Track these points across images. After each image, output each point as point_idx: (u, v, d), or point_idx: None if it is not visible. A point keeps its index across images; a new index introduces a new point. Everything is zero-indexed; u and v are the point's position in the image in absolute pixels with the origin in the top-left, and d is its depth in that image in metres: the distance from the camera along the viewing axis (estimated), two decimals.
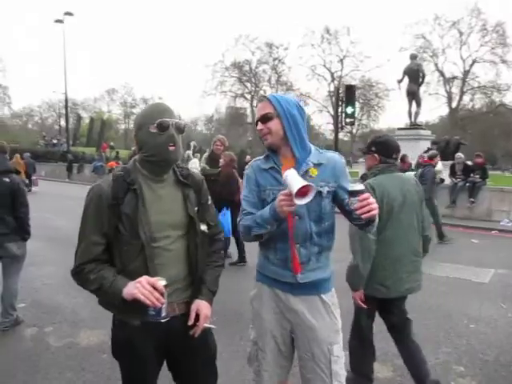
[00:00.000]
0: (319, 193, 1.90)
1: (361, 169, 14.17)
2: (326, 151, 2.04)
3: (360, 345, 2.94)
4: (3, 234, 3.94)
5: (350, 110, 12.85)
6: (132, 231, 1.68)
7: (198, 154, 15.12)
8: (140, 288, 1.58)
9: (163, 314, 1.63)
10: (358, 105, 48.18)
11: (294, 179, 1.67)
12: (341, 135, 53.32)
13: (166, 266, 1.74)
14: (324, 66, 46.47)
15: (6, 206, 3.94)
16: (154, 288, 1.58)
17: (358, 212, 1.71)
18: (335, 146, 14.07)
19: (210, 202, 1.97)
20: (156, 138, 1.70)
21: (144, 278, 1.60)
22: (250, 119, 54.62)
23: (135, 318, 1.70)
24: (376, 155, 2.77)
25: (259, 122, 1.94)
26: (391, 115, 71.20)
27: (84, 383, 3.07)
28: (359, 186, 1.74)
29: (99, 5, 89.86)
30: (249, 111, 53.62)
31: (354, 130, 52.27)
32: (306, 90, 47.95)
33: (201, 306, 1.80)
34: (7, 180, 3.96)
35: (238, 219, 2.00)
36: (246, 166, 2.07)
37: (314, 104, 46.11)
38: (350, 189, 1.76)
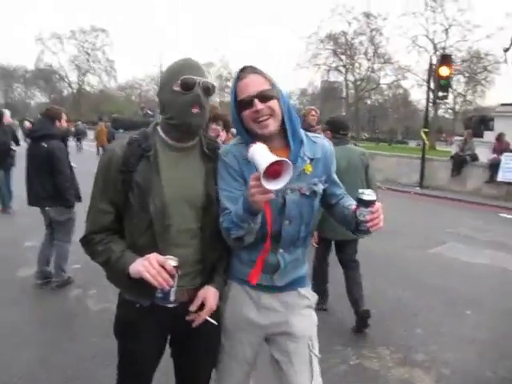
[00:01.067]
0: (314, 193, 1.58)
1: (453, 149, 12.92)
2: (316, 137, 1.67)
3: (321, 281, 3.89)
4: (42, 197, 4.09)
5: (443, 82, 11.64)
6: (142, 202, 1.49)
7: None
8: (147, 266, 1.38)
9: (171, 298, 1.42)
10: (462, 79, 44.35)
11: (261, 156, 1.29)
12: (441, 112, 49.77)
13: (177, 246, 1.52)
14: (426, 36, 42.92)
15: (44, 171, 4.03)
16: (163, 268, 1.38)
17: (368, 224, 1.41)
18: (425, 122, 12.93)
19: None
20: (179, 97, 1.47)
21: (153, 255, 1.41)
22: (344, 94, 52.93)
23: (143, 299, 1.53)
24: (329, 132, 3.72)
25: (256, 100, 1.48)
26: (502, 90, 63.99)
27: (104, 353, 3.05)
28: (372, 195, 1.41)
29: None
30: (344, 85, 51.92)
31: (458, 107, 48.29)
32: (405, 62, 45.11)
33: (209, 294, 1.57)
34: (44, 145, 4.01)
35: (220, 220, 1.57)
36: (223, 150, 1.63)
37: (414, 78, 43.02)
38: (361, 197, 1.42)
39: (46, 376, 2.79)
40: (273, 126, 1.51)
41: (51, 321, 3.60)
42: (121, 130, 32.40)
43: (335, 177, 1.71)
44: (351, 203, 1.59)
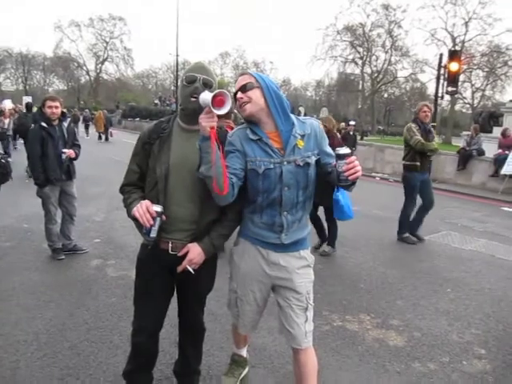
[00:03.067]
0: (307, 164, 2.00)
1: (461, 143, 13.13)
2: (305, 118, 2.12)
3: None
4: None
5: (452, 78, 11.87)
6: (153, 166, 2.05)
7: None
8: (138, 208, 1.94)
9: (151, 235, 1.94)
10: (481, 73, 43.95)
11: (207, 95, 1.77)
12: (458, 107, 49.43)
13: (177, 205, 2.02)
14: (445, 29, 42.66)
15: None
16: (148, 211, 1.91)
17: (345, 174, 1.81)
18: (433, 117, 13.11)
19: None
20: (184, 89, 2.00)
21: (144, 202, 1.95)
22: (360, 86, 52.75)
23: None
24: None
25: (239, 92, 1.98)
26: None
27: (122, 308, 3.55)
28: (346, 150, 1.84)
29: None
30: (360, 77, 51.81)
31: (475, 102, 47.85)
32: (423, 56, 44.77)
33: (192, 248, 2.04)
34: None
35: None
36: (229, 134, 2.08)
37: (431, 71, 42.81)
38: (338, 152, 1.84)
39: (73, 326, 3.28)
40: (249, 109, 1.97)
41: (76, 284, 4.10)
42: (137, 118, 33.30)
43: (328, 149, 2.08)
44: None
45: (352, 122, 14.57)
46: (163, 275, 2.13)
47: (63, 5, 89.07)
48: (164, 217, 1.96)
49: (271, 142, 1.98)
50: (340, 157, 1.82)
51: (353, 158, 1.82)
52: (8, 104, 11.12)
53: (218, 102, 1.73)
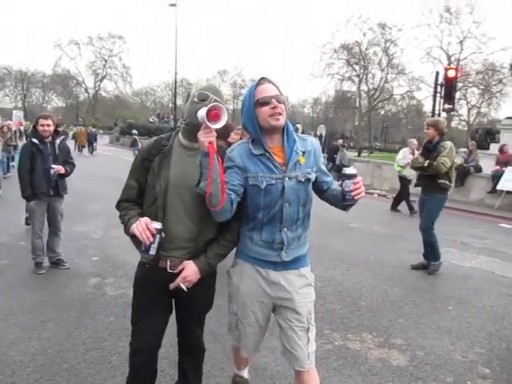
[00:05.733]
0: (308, 180, 2.02)
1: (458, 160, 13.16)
2: (305, 136, 2.13)
3: None
4: None
5: (449, 95, 11.99)
6: (153, 182, 2.04)
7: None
8: (137, 225, 1.92)
9: (151, 252, 1.92)
10: (477, 91, 44.53)
11: (203, 111, 1.74)
12: (454, 124, 49.81)
13: (175, 223, 2.01)
14: (441, 47, 43.36)
15: None
16: (148, 228, 1.89)
17: (353, 193, 1.85)
18: None
19: None
20: (194, 105, 1.96)
21: (144, 219, 1.93)
22: (357, 103, 53.22)
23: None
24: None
25: (273, 99, 1.93)
26: None
27: (120, 328, 3.49)
28: (353, 170, 1.88)
29: None
30: (357, 95, 52.31)
31: (471, 119, 48.33)
32: (419, 73, 45.35)
33: (187, 266, 2.02)
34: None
35: None
36: (229, 149, 2.06)
37: (427, 89, 43.26)
38: (345, 172, 1.88)
39: (71, 346, 3.22)
40: (282, 121, 1.96)
41: (74, 303, 4.04)
42: (135, 134, 34.15)
43: (323, 167, 2.13)
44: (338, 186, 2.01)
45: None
46: (161, 293, 2.10)
47: (64, 24, 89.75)
48: (163, 234, 1.95)
49: (274, 157, 1.98)
50: (348, 177, 1.85)
51: (359, 178, 1.85)
52: None
53: (212, 115, 1.70)
